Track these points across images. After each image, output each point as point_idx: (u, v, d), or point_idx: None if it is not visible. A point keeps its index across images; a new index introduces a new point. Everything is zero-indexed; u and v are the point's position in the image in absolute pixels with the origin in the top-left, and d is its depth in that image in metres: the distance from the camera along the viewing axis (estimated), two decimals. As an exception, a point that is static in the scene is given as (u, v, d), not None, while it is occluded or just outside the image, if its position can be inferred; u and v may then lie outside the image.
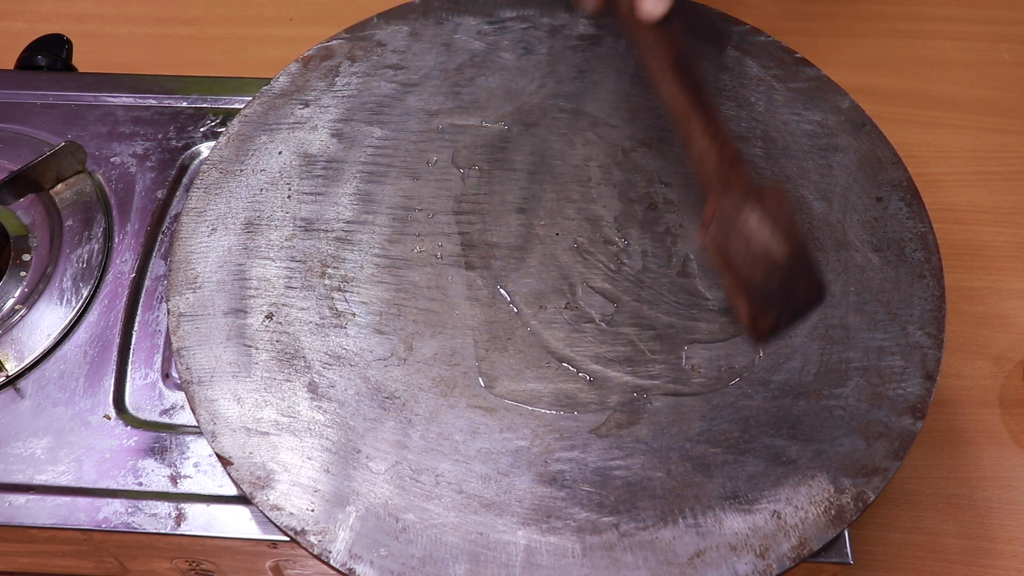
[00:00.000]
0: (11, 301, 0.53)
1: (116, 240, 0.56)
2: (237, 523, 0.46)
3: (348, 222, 0.51)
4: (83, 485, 0.47)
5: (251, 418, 0.45)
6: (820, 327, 0.47)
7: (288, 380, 0.46)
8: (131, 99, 0.62)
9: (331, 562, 0.42)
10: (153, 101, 0.61)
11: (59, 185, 0.58)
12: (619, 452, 0.44)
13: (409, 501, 0.43)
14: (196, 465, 0.48)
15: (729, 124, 0.47)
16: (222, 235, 0.51)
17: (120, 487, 0.47)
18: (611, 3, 0.51)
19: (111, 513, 0.46)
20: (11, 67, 0.65)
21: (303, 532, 0.42)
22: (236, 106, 0.61)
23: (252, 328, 0.48)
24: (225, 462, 0.44)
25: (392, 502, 0.43)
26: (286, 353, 0.47)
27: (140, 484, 0.47)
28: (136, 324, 0.53)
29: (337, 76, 0.57)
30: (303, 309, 0.48)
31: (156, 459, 0.48)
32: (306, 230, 0.51)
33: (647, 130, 0.54)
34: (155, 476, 0.48)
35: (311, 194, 0.52)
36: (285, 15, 0.80)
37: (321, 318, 0.48)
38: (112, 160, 0.59)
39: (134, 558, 0.50)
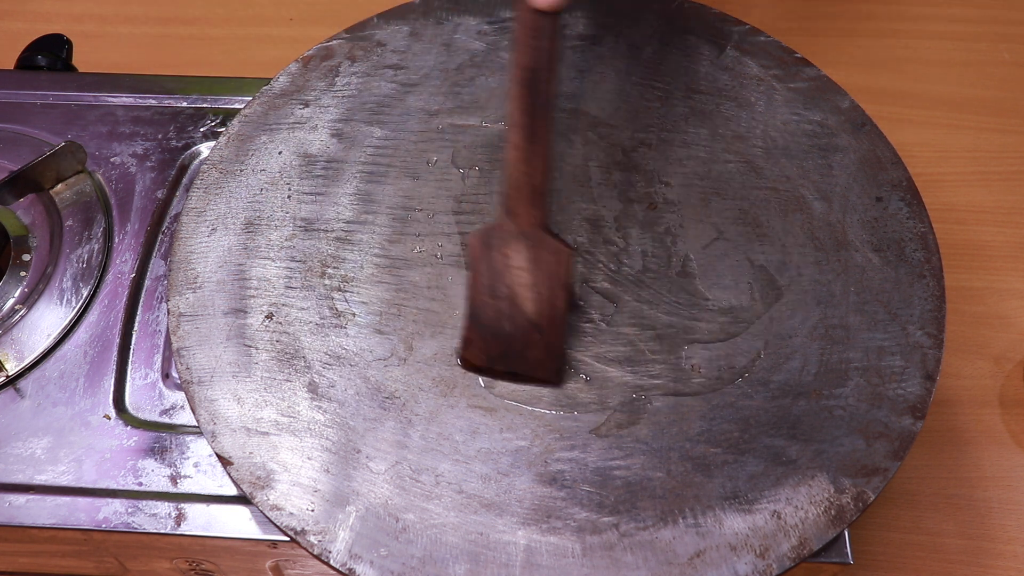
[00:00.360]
0: (11, 301, 0.53)
1: (116, 240, 0.56)
2: (237, 523, 0.46)
3: (348, 222, 0.51)
4: (83, 485, 0.47)
5: (251, 418, 0.45)
6: (820, 327, 0.47)
7: (288, 380, 0.46)
8: (131, 99, 0.62)
9: (331, 562, 0.42)
10: (153, 101, 0.61)
11: (59, 185, 0.58)
12: (619, 452, 0.44)
13: (409, 501, 0.43)
14: (196, 465, 0.48)
15: (551, 154, 0.44)
16: (222, 235, 0.51)
17: (120, 487, 0.47)
18: None
19: (111, 513, 0.46)
20: (11, 67, 0.65)
21: (303, 532, 0.42)
22: (236, 106, 0.61)
23: (252, 328, 0.48)
24: (225, 462, 0.44)
25: (392, 502, 0.43)
26: (286, 353, 0.47)
27: (140, 484, 0.47)
28: (136, 324, 0.53)
29: (337, 76, 0.57)
30: (303, 309, 0.48)
31: (156, 459, 0.48)
32: (306, 230, 0.51)
33: (647, 130, 0.54)
34: (155, 476, 0.48)
35: (311, 194, 0.52)
36: (285, 15, 0.80)
37: (321, 318, 0.48)
38: (112, 160, 0.59)
39: (134, 558, 0.50)
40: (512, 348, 0.45)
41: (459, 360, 0.46)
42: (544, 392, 0.46)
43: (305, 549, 0.42)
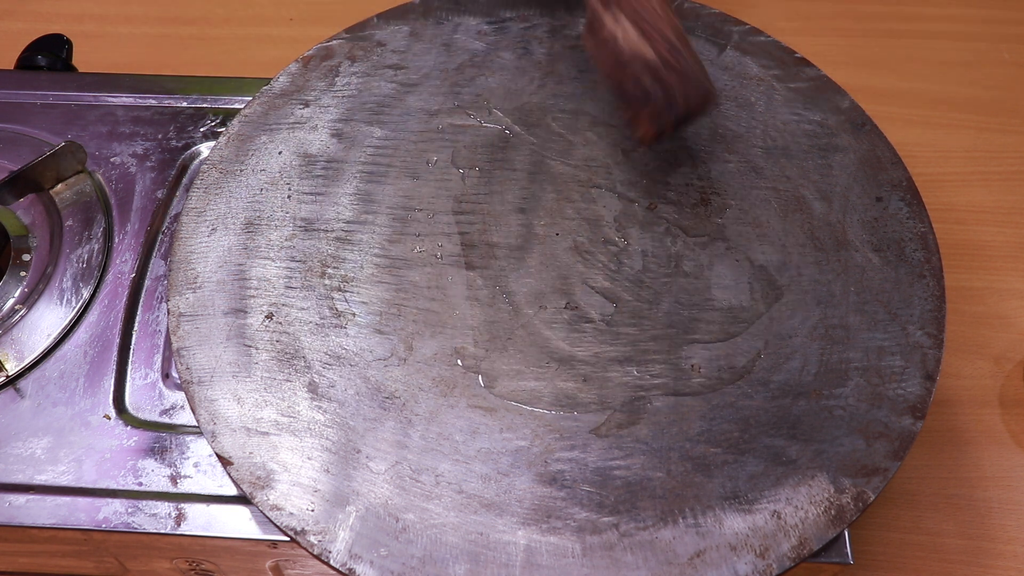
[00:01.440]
0: (11, 301, 0.53)
1: (116, 240, 0.56)
2: (237, 523, 0.46)
3: (348, 222, 0.51)
4: (83, 485, 0.47)
5: (251, 418, 0.45)
6: (820, 327, 0.47)
7: (288, 380, 0.46)
8: (131, 99, 0.62)
9: (331, 562, 0.42)
10: (153, 101, 0.61)
11: (59, 185, 0.58)
12: (619, 452, 0.44)
13: (409, 501, 0.43)
14: (196, 465, 0.48)
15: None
16: (222, 235, 0.51)
17: (120, 487, 0.47)
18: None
19: (111, 513, 0.46)
20: (11, 67, 0.65)
21: (303, 532, 0.42)
22: (236, 106, 0.61)
23: (252, 328, 0.48)
24: (225, 462, 0.44)
25: (392, 502, 0.43)
26: (286, 353, 0.47)
27: (140, 484, 0.47)
28: (136, 324, 0.53)
29: (337, 76, 0.57)
30: (303, 309, 0.48)
31: (156, 459, 0.48)
32: (306, 230, 0.51)
33: (647, 130, 0.54)
34: (155, 476, 0.48)
35: (311, 194, 0.52)
36: (285, 15, 0.80)
37: (321, 318, 0.48)
38: (112, 160, 0.59)
39: (134, 558, 0.50)
40: (667, 98, 0.45)
41: (638, 142, 0.45)
42: (544, 392, 0.46)
43: (305, 549, 0.42)
